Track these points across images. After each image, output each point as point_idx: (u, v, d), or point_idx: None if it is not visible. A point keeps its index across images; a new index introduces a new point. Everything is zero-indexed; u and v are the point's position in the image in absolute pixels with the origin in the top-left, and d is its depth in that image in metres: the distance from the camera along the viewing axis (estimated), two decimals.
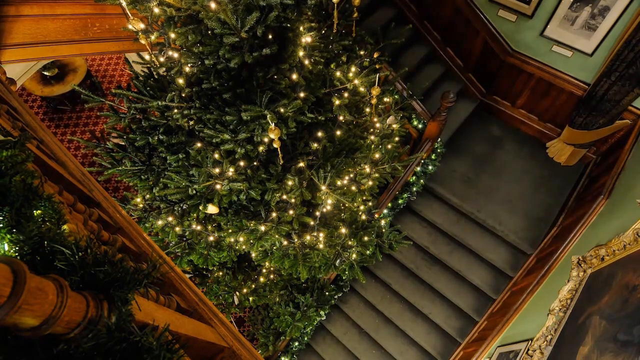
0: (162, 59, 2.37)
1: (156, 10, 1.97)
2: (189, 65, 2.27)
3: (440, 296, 5.08)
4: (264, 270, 4.37)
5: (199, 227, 2.83)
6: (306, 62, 2.33)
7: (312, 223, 2.75)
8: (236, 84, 2.27)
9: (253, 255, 3.21)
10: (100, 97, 2.39)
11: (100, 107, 2.47)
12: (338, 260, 3.11)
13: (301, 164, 2.46)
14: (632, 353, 1.86)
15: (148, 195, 2.78)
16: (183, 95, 2.29)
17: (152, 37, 2.25)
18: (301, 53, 2.26)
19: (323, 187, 2.43)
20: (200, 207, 2.46)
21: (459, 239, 4.92)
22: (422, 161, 4.74)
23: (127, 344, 0.75)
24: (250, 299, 4.41)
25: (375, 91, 2.33)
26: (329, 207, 2.72)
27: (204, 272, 4.33)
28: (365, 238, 3.11)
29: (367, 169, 2.80)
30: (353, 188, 2.74)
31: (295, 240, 2.83)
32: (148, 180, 2.68)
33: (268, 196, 2.54)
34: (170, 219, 2.76)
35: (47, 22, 2.98)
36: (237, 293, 4.29)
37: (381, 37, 2.95)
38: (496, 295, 4.68)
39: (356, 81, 2.56)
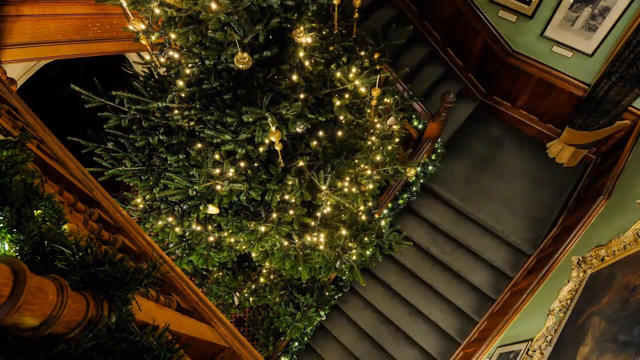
0: (162, 59, 2.37)
1: (157, 10, 1.97)
2: (190, 65, 2.28)
3: (440, 296, 5.08)
4: (264, 271, 4.37)
5: (199, 228, 2.82)
6: (306, 63, 2.33)
7: (312, 224, 2.75)
8: (237, 84, 2.27)
9: (253, 255, 3.20)
10: (101, 97, 2.39)
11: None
12: (338, 262, 3.11)
13: (301, 164, 2.46)
14: (632, 353, 1.86)
15: (148, 196, 2.78)
16: (183, 95, 2.30)
17: (153, 38, 2.25)
18: (301, 54, 2.26)
19: (323, 188, 2.43)
20: (201, 208, 2.46)
21: (459, 239, 4.92)
22: (422, 161, 4.74)
23: (127, 344, 0.75)
24: (251, 299, 4.41)
25: (376, 92, 2.33)
26: (329, 208, 2.72)
27: (204, 273, 4.33)
28: (366, 239, 3.11)
29: (368, 171, 2.80)
30: (353, 189, 2.74)
31: (296, 240, 2.83)
32: (148, 181, 2.68)
33: (268, 197, 2.54)
34: (170, 219, 2.75)
35: (48, 22, 2.98)
36: (237, 294, 4.29)
37: (382, 37, 2.95)
38: (496, 295, 4.67)
39: (357, 82, 2.56)
